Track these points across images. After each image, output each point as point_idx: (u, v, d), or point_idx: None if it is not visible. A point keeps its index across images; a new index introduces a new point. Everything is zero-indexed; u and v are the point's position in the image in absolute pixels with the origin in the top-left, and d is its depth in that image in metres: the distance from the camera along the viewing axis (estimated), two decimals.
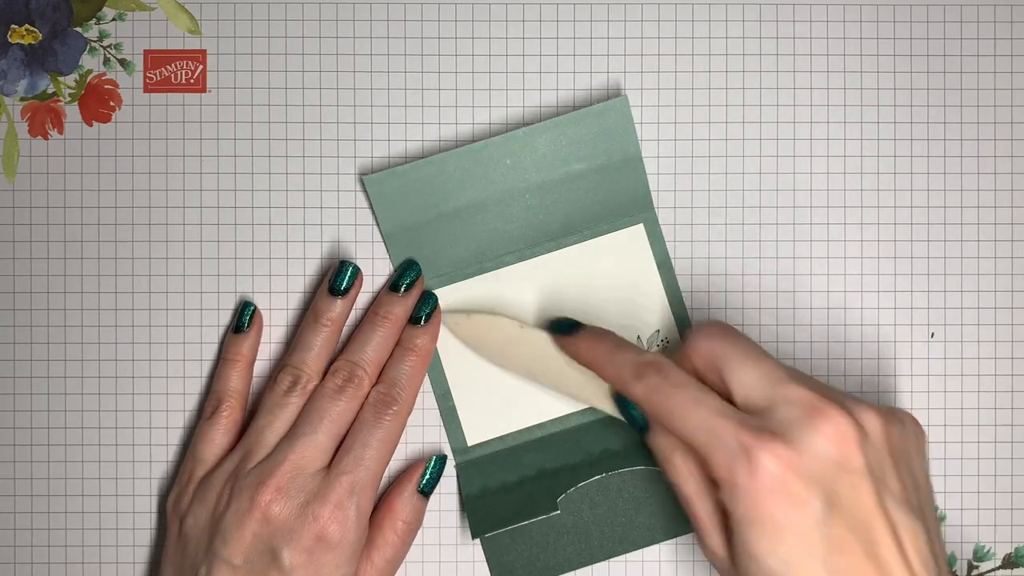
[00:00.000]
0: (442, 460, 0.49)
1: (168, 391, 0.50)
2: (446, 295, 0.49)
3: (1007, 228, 0.50)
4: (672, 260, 0.50)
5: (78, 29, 0.50)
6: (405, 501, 0.48)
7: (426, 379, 0.50)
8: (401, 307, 0.48)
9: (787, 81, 0.50)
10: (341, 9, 0.50)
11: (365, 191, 0.50)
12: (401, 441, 0.49)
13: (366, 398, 0.47)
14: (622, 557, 0.50)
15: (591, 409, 0.50)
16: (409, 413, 0.48)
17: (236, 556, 0.45)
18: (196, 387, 0.50)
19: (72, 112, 0.50)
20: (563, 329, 0.47)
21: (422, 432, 0.50)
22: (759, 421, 0.40)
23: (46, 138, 0.50)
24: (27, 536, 0.50)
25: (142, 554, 0.50)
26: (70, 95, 0.50)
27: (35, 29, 0.50)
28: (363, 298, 0.50)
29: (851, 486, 0.39)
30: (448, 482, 0.50)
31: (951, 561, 0.50)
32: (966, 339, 0.50)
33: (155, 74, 0.50)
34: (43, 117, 0.50)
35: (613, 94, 0.50)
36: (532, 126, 0.48)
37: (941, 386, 0.50)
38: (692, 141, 0.50)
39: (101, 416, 0.50)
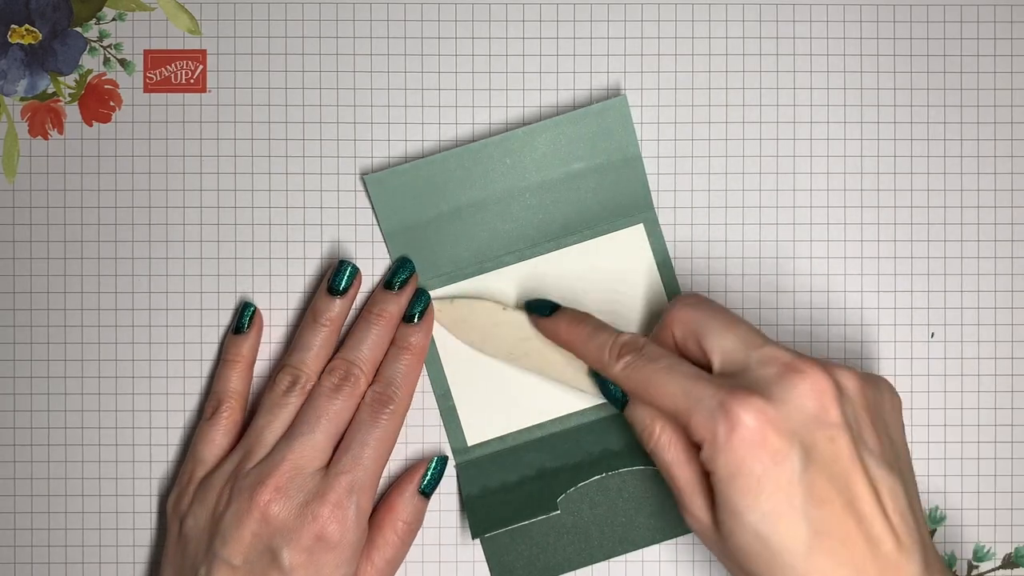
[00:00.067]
0: (443, 461, 0.49)
1: (168, 391, 0.50)
2: (446, 295, 0.49)
3: (1007, 228, 0.50)
4: (672, 260, 0.50)
5: (78, 29, 0.50)
6: (406, 501, 0.48)
7: (426, 379, 0.50)
8: (395, 305, 0.48)
9: (787, 81, 0.50)
10: (341, 9, 0.50)
11: (366, 190, 0.50)
12: (401, 441, 0.49)
13: (363, 397, 0.47)
14: (622, 557, 0.50)
15: (591, 409, 0.50)
16: (406, 411, 0.48)
17: (236, 556, 0.45)
18: (196, 387, 0.50)
19: (72, 112, 0.50)
20: (541, 310, 0.48)
21: (422, 432, 0.50)
22: (736, 381, 0.41)
23: (46, 138, 0.50)
24: (27, 536, 0.50)
25: (142, 554, 0.50)
26: (70, 95, 0.50)
27: (35, 29, 0.50)
28: (361, 298, 0.50)
29: (829, 439, 0.40)
30: (448, 482, 0.50)
31: (951, 561, 0.50)
32: (966, 339, 0.50)
33: (155, 74, 0.50)
34: (43, 117, 0.50)
35: (613, 94, 0.50)
36: (532, 126, 0.48)
37: (941, 386, 0.50)
38: (692, 141, 0.50)
39: (101, 416, 0.50)
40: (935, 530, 0.50)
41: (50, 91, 0.50)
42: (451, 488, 0.50)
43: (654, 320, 0.50)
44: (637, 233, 0.50)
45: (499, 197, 0.49)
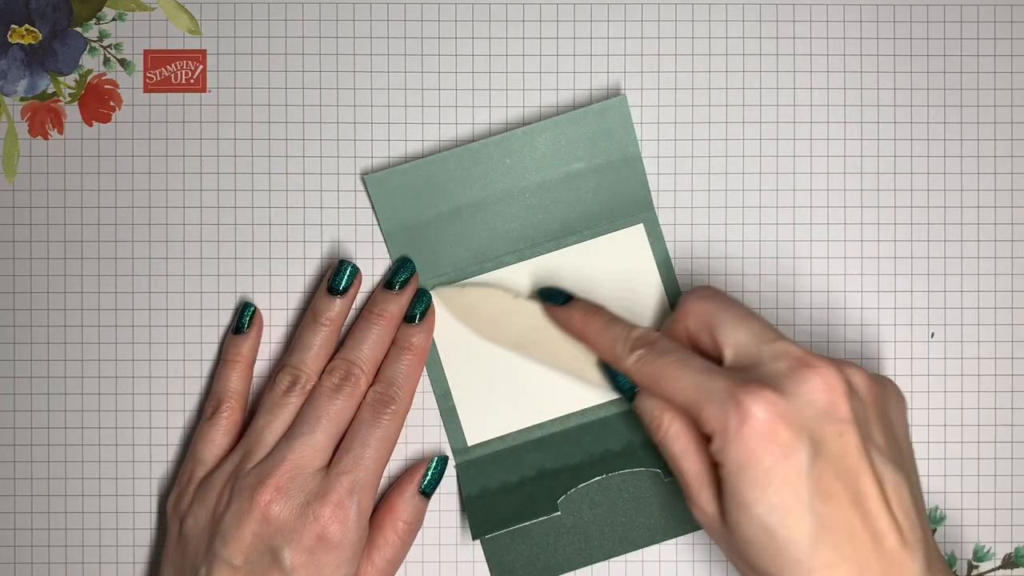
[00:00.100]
0: (443, 461, 0.49)
1: (168, 391, 0.50)
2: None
3: (1007, 228, 0.50)
4: (672, 260, 0.50)
5: (78, 29, 0.50)
6: (406, 501, 0.48)
7: (426, 379, 0.50)
8: (396, 305, 0.48)
9: (787, 81, 0.50)
10: (341, 9, 0.50)
11: (366, 190, 0.50)
12: (401, 441, 0.49)
13: (364, 397, 0.47)
14: (622, 557, 0.50)
15: (591, 409, 0.50)
16: (407, 412, 0.48)
17: (236, 556, 0.45)
18: (196, 387, 0.50)
19: (72, 112, 0.50)
20: (555, 299, 0.48)
21: (422, 432, 0.50)
22: (748, 374, 0.42)
23: (46, 138, 0.50)
24: (27, 536, 0.50)
25: (142, 554, 0.50)
26: (70, 95, 0.50)
27: (35, 29, 0.50)
28: (361, 298, 0.50)
29: (837, 435, 0.40)
30: (448, 482, 0.50)
31: (951, 561, 0.50)
32: (966, 339, 0.50)
33: (155, 74, 0.50)
34: (43, 117, 0.50)
35: (613, 94, 0.50)
36: (532, 125, 0.48)
37: (941, 386, 0.50)
38: (692, 141, 0.50)
39: (101, 416, 0.50)
40: (935, 529, 0.50)
41: (50, 91, 0.50)
42: (451, 488, 0.50)
43: (654, 319, 0.50)
44: (637, 233, 0.50)
45: (499, 197, 0.49)
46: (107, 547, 0.50)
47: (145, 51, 0.50)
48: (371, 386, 0.47)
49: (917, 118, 0.50)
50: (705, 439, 0.43)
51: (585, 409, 0.50)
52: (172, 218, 0.50)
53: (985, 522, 0.50)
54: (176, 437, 0.50)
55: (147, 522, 0.50)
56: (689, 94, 0.50)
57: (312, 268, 0.50)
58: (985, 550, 0.50)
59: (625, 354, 0.45)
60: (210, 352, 0.50)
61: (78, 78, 0.50)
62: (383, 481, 0.49)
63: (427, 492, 0.48)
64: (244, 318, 0.49)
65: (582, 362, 0.48)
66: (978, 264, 0.50)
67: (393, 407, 0.47)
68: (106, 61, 0.50)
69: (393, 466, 0.50)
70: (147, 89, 0.50)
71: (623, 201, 0.49)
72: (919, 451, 0.50)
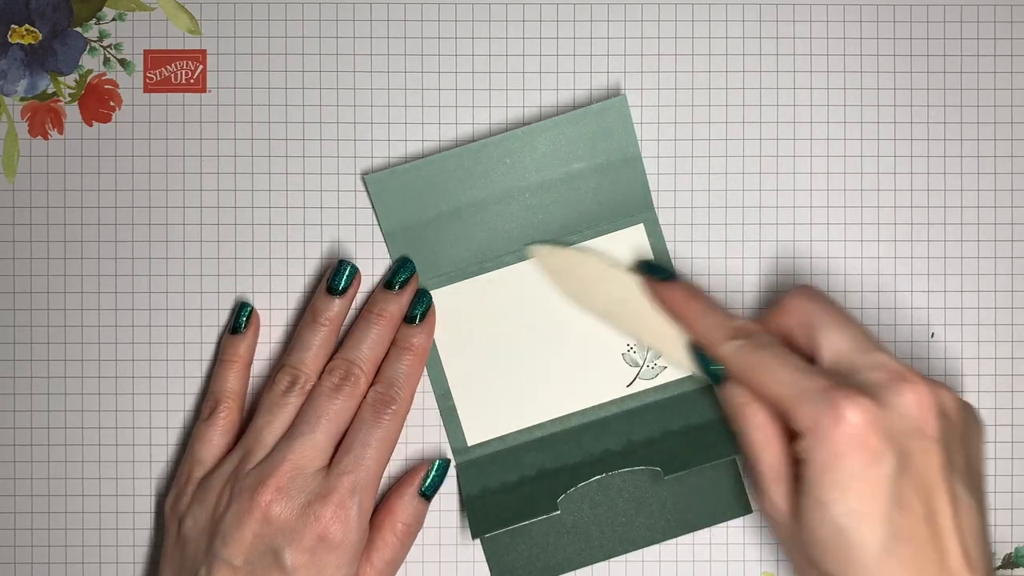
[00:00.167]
0: (445, 464, 0.49)
1: (168, 391, 0.50)
2: (446, 295, 0.49)
3: (1007, 228, 0.50)
4: (672, 260, 0.50)
5: (78, 29, 0.50)
6: (405, 503, 0.48)
7: (426, 379, 0.50)
8: (396, 304, 0.48)
9: (787, 81, 0.50)
10: (341, 9, 0.50)
11: (366, 190, 0.50)
12: (401, 441, 0.49)
13: (364, 397, 0.47)
14: (622, 557, 0.50)
15: (591, 409, 0.50)
16: (407, 412, 0.48)
17: (236, 557, 0.45)
18: (196, 387, 0.50)
19: (72, 112, 0.50)
20: (657, 274, 0.48)
21: (422, 432, 0.50)
22: (844, 379, 0.42)
23: (46, 138, 0.50)
24: (27, 536, 0.50)
25: (142, 554, 0.50)
26: (70, 95, 0.50)
27: (35, 29, 0.50)
28: (361, 298, 0.50)
29: (924, 451, 0.41)
30: (448, 482, 0.50)
31: None
32: (966, 339, 0.50)
33: (155, 74, 0.50)
34: (43, 117, 0.50)
35: (613, 94, 0.50)
36: (531, 125, 0.48)
37: None
38: (692, 141, 0.50)
39: (101, 416, 0.50)
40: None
41: (50, 91, 0.50)
42: (451, 488, 0.50)
43: (654, 319, 0.50)
44: (637, 233, 0.50)
45: (499, 197, 0.49)
46: (107, 547, 0.50)
47: (145, 51, 0.50)
48: (371, 386, 0.47)
49: (917, 118, 0.50)
50: (789, 434, 0.44)
51: (585, 409, 0.50)
52: (172, 218, 0.50)
53: None
54: (176, 437, 0.50)
55: (147, 522, 0.50)
56: (689, 94, 0.50)
57: (312, 268, 0.50)
58: None
59: (723, 341, 0.45)
60: (210, 352, 0.50)
61: (78, 78, 0.50)
62: (384, 481, 0.49)
63: (427, 494, 0.48)
64: (241, 318, 0.49)
65: (671, 341, 0.48)
66: (978, 264, 0.50)
67: (394, 407, 0.47)
68: (106, 61, 0.50)
69: (393, 466, 0.50)
70: (147, 89, 0.50)
71: (623, 201, 0.49)
72: None
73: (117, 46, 0.50)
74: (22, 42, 0.50)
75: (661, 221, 0.50)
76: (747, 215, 0.50)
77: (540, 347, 0.49)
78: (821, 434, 0.41)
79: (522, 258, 0.50)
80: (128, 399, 0.50)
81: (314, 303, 0.48)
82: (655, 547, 0.50)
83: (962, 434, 0.43)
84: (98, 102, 0.50)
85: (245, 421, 0.49)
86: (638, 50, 0.50)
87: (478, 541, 0.49)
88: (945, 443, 0.42)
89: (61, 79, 0.50)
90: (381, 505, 0.48)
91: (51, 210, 0.50)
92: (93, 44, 0.50)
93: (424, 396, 0.50)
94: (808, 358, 0.44)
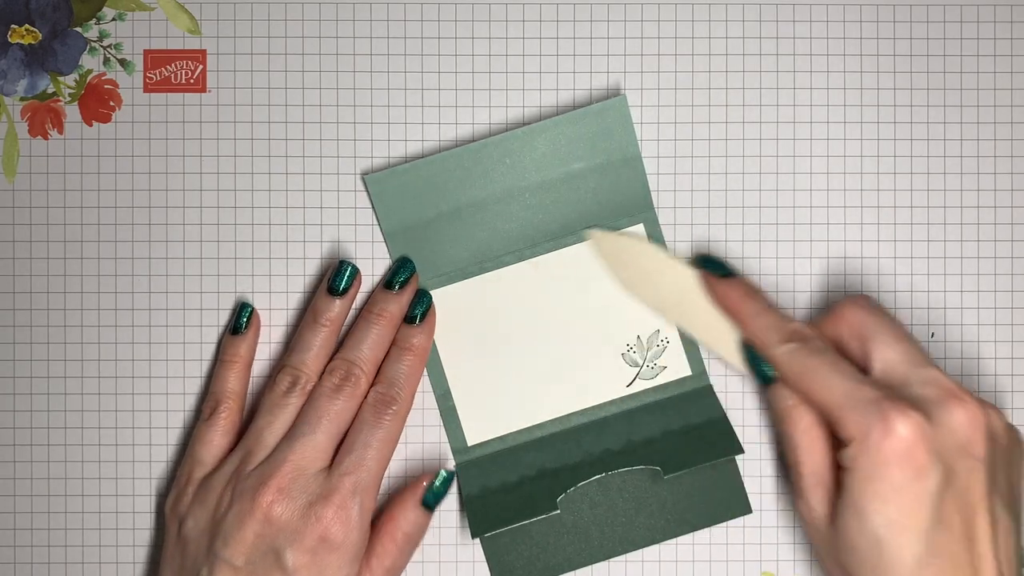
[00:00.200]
0: (450, 476, 0.48)
1: (168, 391, 0.50)
2: (446, 295, 0.49)
3: (1007, 228, 0.50)
4: None
5: (78, 29, 0.50)
6: (407, 512, 0.47)
7: (426, 379, 0.50)
8: (396, 304, 0.48)
9: (787, 81, 0.50)
10: (341, 9, 0.50)
11: (366, 190, 0.50)
12: (401, 441, 0.49)
13: (365, 397, 0.47)
14: (622, 557, 0.50)
15: (591, 409, 0.50)
16: (408, 412, 0.48)
17: (238, 557, 0.45)
18: (196, 387, 0.50)
19: (72, 112, 0.50)
20: (716, 270, 0.48)
21: (422, 432, 0.50)
22: (897, 393, 0.43)
23: (46, 138, 0.50)
24: (27, 536, 0.50)
25: (142, 554, 0.50)
26: (70, 95, 0.50)
27: (35, 29, 0.50)
28: (361, 298, 0.50)
29: (969, 470, 0.42)
30: None
31: None
32: (966, 339, 0.50)
33: (155, 74, 0.50)
34: (43, 117, 0.50)
35: (613, 94, 0.50)
36: (531, 125, 0.48)
37: None
38: (692, 141, 0.50)
39: (101, 416, 0.50)
40: None
41: (50, 91, 0.50)
42: (451, 488, 0.50)
43: (654, 320, 0.50)
44: (637, 233, 0.50)
45: (499, 197, 0.49)
46: (107, 547, 0.50)
47: (145, 51, 0.50)
48: (372, 387, 0.47)
49: (917, 118, 0.50)
50: (834, 442, 0.44)
51: (585, 409, 0.50)
52: (172, 218, 0.50)
53: None
54: (176, 437, 0.50)
55: (147, 522, 0.50)
56: (689, 94, 0.50)
57: (312, 268, 0.50)
58: None
59: (777, 343, 0.45)
60: (210, 352, 0.50)
61: (78, 78, 0.50)
62: (385, 482, 0.49)
63: (429, 504, 0.48)
64: (242, 318, 0.49)
65: (722, 338, 0.47)
66: (978, 264, 0.50)
67: (394, 407, 0.47)
68: (106, 61, 0.50)
69: (394, 466, 0.50)
70: (147, 89, 0.50)
71: (623, 201, 0.49)
72: None
73: (117, 46, 0.50)
74: (22, 42, 0.50)
75: (661, 221, 0.50)
76: (747, 215, 0.50)
77: (540, 347, 0.49)
78: (869, 444, 0.42)
79: (522, 258, 0.50)
80: (128, 399, 0.50)
81: (315, 304, 0.48)
82: (655, 547, 0.50)
83: (1007, 455, 0.43)
84: (98, 102, 0.50)
85: (246, 421, 0.49)
86: (638, 50, 0.50)
87: (478, 541, 0.49)
88: (990, 463, 0.42)
89: (61, 79, 0.50)
90: (384, 511, 0.48)
91: (51, 210, 0.50)
92: (93, 44, 0.50)
93: (424, 396, 0.50)
94: (859, 368, 0.45)
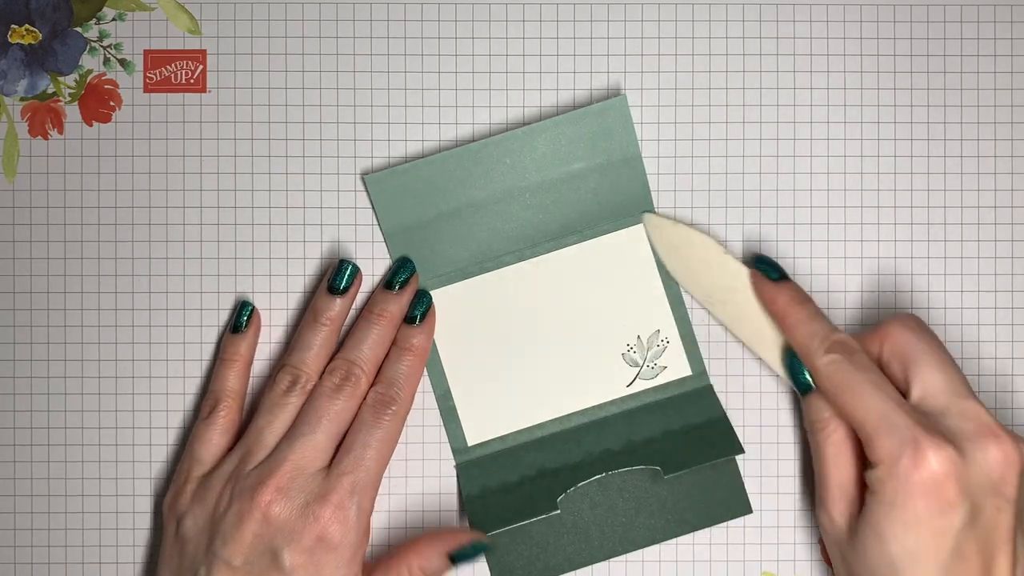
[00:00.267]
0: (484, 548, 0.47)
1: (168, 391, 0.50)
2: (446, 295, 0.49)
3: (1007, 228, 0.50)
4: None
5: (78, 29, 0.50)
6: (434, 556, 0.47)
7: (426, 379, 0.50)
8: (396, 304, 0.48)
9: (787, 81, 0.50)
10: (341, 9, 0.50)
11: (366, 190, 0.50)
12: (401, 441, 0.49)
13: (364, 397, 0.47)
14: (622, 557, 0.50)
15: (591, 409, 0.50)
16: (408, 412, 0.48)
17: (236, 557, 0.45)
18: (196, 387, 0.50)
19: (72, 112, 0.50)
20: (770, 272, 0.47)
21: (422, 432, 0.50)
22: (932, 421, 0.42)
23: (46, 138, 0.50)
24: (27, 536, 0.50)
25: (142, 554, 0.50)
26: (70, 95, 0.50)
27: (35, 29, 0.50)
28: (361, 298, 0.50)
29: (996, 509, 0.42)
30: (448, 482, 0.50)
31: None
32: (966, 339, 0.50)
33: (155, 74, 0.50)
34: (43, 117, 0.50)
35: (613, 94, 0.50)
36: (531, 125, 0.48)
37: None
38: (692, 141, 0.50)
39: (101, 416, 0.50)
40: None
41: (50, 91, 0.50)
42: (451, 488, 0.50)
43: (654, 320, 0.50)
44: (637, 233, 0.50)
45: (499, 197, 0.49)
46: (107, 547, 0.50)
47: (145, 51, 0.50)
48: (372, 387, 0.47)
49: (917, 118, 0.50)
50: (863, 459, 0.44)
51: (585, 409, 0.50)
52: (172, 218, 0.50)
53: None
54: (176, 437, 0.50)
55: (146, 522, 0.50)
56: (689, 94, 0.50)
57: (312, 268, 0.50)
58: None
59: (820, 353, 0.45)
60: (210, 352, 0.50)
61: (78, 78, 0.50)
62: (385, 481, 0.49)
63: (455, 560, 0.47)
64: (242, 317, 0.49)
65: (767, 341, 0.47)
66: (978, 264, 0.50)
67: (394, 408, 0.47)
68: (106, 61, 0.50)
69: (394, 466, 0.50)
70: (147, 89, 0.50)
71: (623, 201, 0.49)
72: None
73: (117, 46, 0.50)
74: (22, 42, 0.50)
75: None
76: (747, 215, 0.50)
77: (540, 347, 0.49)
78: (897, 471, 0.42)
79: (522, 258, 0.50)
80: (128, 399, 0.50)
81: (315, 303, 0.48)
82: (655, 547, 0.50)
83: None
84: (98, 102, 0.50)
85: (245, 421, 0.49)
86: (638, 50, 0.50)
87: None
88: (1018, 503, 0.42)
89: (61, 79, 0.50)
90: (411, 540, 0.47)
91: (51, 210, 0.50)
92: (93, 44, 0.50)
93: (424, 396, 0.50)
94: (899, 388, 0.44)
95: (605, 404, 0.50)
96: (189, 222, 0.50)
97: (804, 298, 0.47)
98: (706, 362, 0.50)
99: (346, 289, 0.48)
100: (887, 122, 0.50)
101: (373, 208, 0.49)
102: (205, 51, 0.50)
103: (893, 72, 0.50)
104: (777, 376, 0.49)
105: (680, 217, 0.49)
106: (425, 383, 0.50)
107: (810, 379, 0.46)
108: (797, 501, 0.50)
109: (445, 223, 0.49)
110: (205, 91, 0.50)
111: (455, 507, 0.50)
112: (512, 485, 0.49)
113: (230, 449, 0.48)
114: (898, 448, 0.42)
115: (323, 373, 0.47)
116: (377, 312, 0.48)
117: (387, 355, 0.48)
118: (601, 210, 0.49)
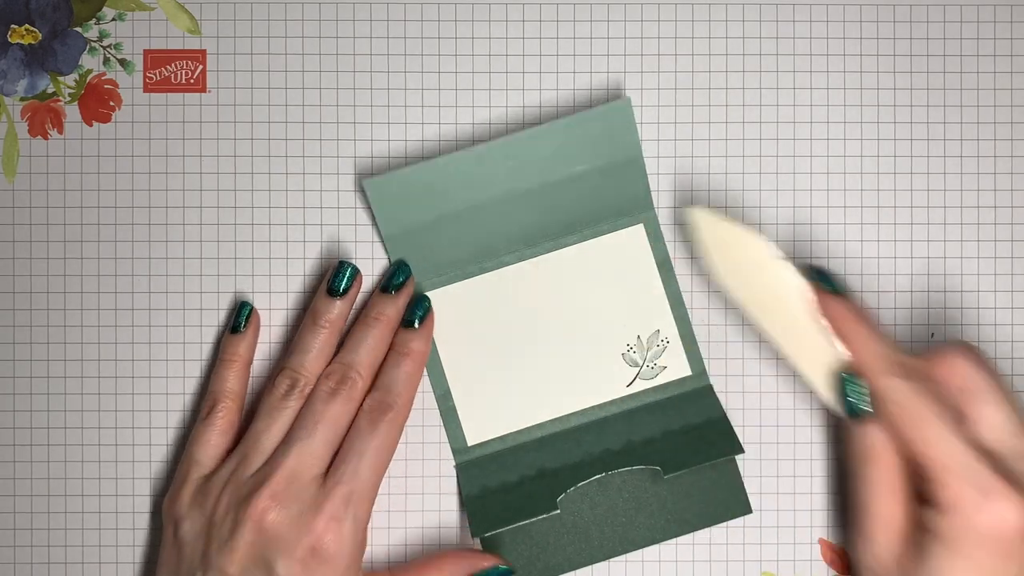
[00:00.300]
0: (507, 573, 0.48)
1: (168, 391, 0.50)
2: (446, 295, 0.49)
3: (1007, 228, 0.50)
4: (672, 260, 0.50)
5: (78, 29, 0.50)
6: (457, 572, 0.47)
7: (426, 379, 0.50)
8: (392, 307, 0.48)
9: (787, 81, 0.50)
10: (341, 9, 0.50)
11: (365, 195, 0.50)
12: (401, 441, 0.49)
13: (361, 402, 0.47)
14: (622, 557, 0.50)
15: (591, 409, 0.50)
16: (406, 418, 0.47)
17: (231, 565, 0.44)
18: (196, 387, 0.50)
19: (72, 112, 0.50)
20: (828, 284, 0.45)
21: (422, 432, 0.50)
22: (1000, 465, 0.41)
23: (46, 138, 0.50)
24: (27, 536, 0.50)
25: (142, 554, 0.50)
26: (70, 95, 0.50)
27: (35, 29, 0.50)
28: (361, 299, 0.50)
29: None
30: (448, 482, 0.50)
31: None
32: (966, 339, 0.50)
33: (155, 74, 0.50)
34: (43, 117, 0.50)
35: (613, 94, 0.50)
36: (535, 128, 0.48)
37: None
38: (692, 141, 0.50)
39: (101, 416, 0.50)
40: None
41: (50, 91, 0.50)
42: (451, 488, 0.50)
43: (654, 320, 0.49)
44: (637, 233, 0.50)
45: (500, 199, 0.49)
46: (107, 547, 0.50)
47: (145, 51, 0.50)
48: (369, 392, 0.47)
49: (917, 118, 0.50)
50: (917, 493, 0.43)
51: (585, 409, 0.50)
52: (172, 218, 0.50)
53: None
54: (176, 437, 0.50)
55: (146, 522, 0.50)
56: (689, 94, 0.50)
57: (312, 268, 0.50)
58: None
59: (888, 374, 0.43)
60: (210, 352, 0.50)
61: (78, 78, 0.50)
62: (385, 481, 0.49)
63: None
64: (241, 317, 0.49)
65: (812, 356, 0.44)
66: (978, 264, 0.50)
67: (391, 414, 0.46)
68: (106, 61, 0.50)
69: (394, 466, 0.50)
70: (147, 89, 0.50)
71: (623, 201, 0.49)
72: None
73: (117, 46, 0.50)
74: (22, 42, 0.50)
75: (661, 221, 0.50)
76: (747, 215, 0.50)
77: (540, 347, 0.49)
78: (964, 517, 0.41)
79: (522, 258, 0.50)
80: (128, 399, 0.50)
81: (314, 305, 0.48)
82: (655, 547, 0.50)
83: None
84: (98, 102, 0.50)
85: (245, 421, 0.49)
86: (638, 50, 0.50)
87: (478, 541, 0.49)
88: None
89: (61, 79, 0.50)
90: (438, 553, 0.47)
91: (51, 210, 0.50)
92: (93, 44, 0.50)
93: (424, 396, 0.50)
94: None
95: (605, 404, 0.50)
96: (189, 222, 0.50)
97: (866, 314, 0.44)
98: (706, 362, 0.50)
99: (346, 291, 0.48)
100: (887, 122, 0.50)
101: (372, 213, 0.49)
102: (205, 51, 0.50)
103: (893, 72, 0.50)
104: (786, 378, 0.49)
105: (732, 216, 0.49)
106: (425, 383, 0.50)
107: (862, 405, 0.44)
108: (797, 501, 0.50)
109: (445, 224, 0.49)
110: (205, 91, 0.50)
111: (455, 507, 0.50)
112: (512, 485, 0.49)
113: (230, 450, 0.48)
114: (969, 494, 0.41)
115: (320, 377, 0.47)
116: (374, 315, 0.48)
117: (385, 360, 0.48)
118: (601, 210, 0.49)
